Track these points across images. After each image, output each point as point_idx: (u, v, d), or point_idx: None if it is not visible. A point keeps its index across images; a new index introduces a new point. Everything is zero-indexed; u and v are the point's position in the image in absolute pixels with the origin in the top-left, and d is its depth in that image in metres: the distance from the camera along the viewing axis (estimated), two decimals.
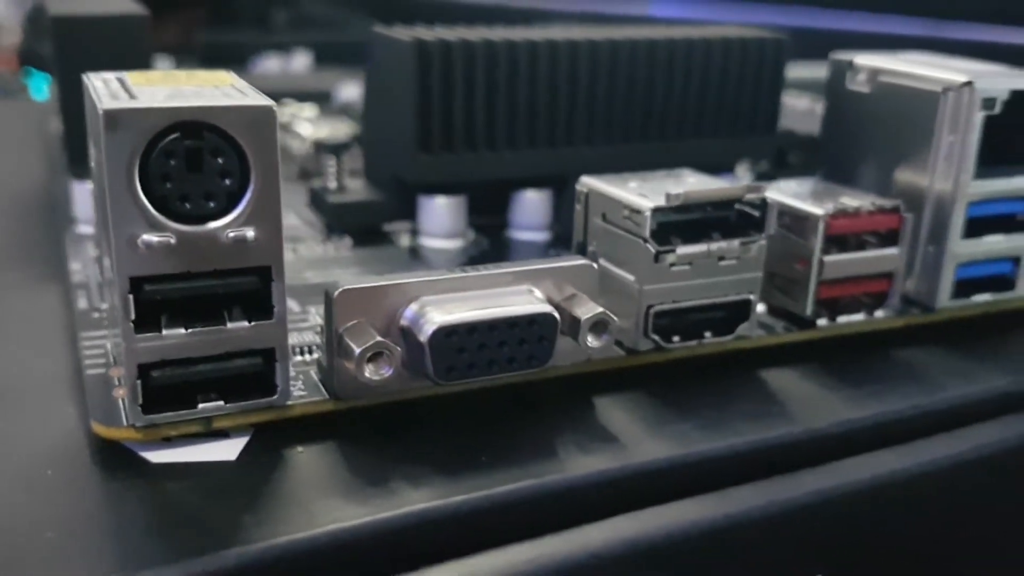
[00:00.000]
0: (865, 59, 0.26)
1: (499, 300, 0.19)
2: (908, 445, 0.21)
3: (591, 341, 0.20)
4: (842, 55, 0.27)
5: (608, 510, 0.18)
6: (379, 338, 0.18)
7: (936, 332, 0.25)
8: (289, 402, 0.19)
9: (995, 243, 0.25)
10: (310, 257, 0.27)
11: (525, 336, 0.19)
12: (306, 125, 0.36)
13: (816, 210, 0.23)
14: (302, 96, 0.41)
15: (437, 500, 0.17)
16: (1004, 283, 0.25)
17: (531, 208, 0.29)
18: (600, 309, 0.20)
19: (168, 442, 0.19)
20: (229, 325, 0.18)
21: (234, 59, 0.55)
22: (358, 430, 0.19)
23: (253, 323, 0.18)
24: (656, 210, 0.21)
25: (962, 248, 0.24)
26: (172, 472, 0.18)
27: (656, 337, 0.22)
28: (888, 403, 0.21)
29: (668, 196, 0.21)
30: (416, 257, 0.28)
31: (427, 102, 0.27)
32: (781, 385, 0.22)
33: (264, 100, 0.17)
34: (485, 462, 0.18)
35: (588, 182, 0.23)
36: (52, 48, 0.30)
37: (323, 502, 0.17)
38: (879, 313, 0.24)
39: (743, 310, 0.23)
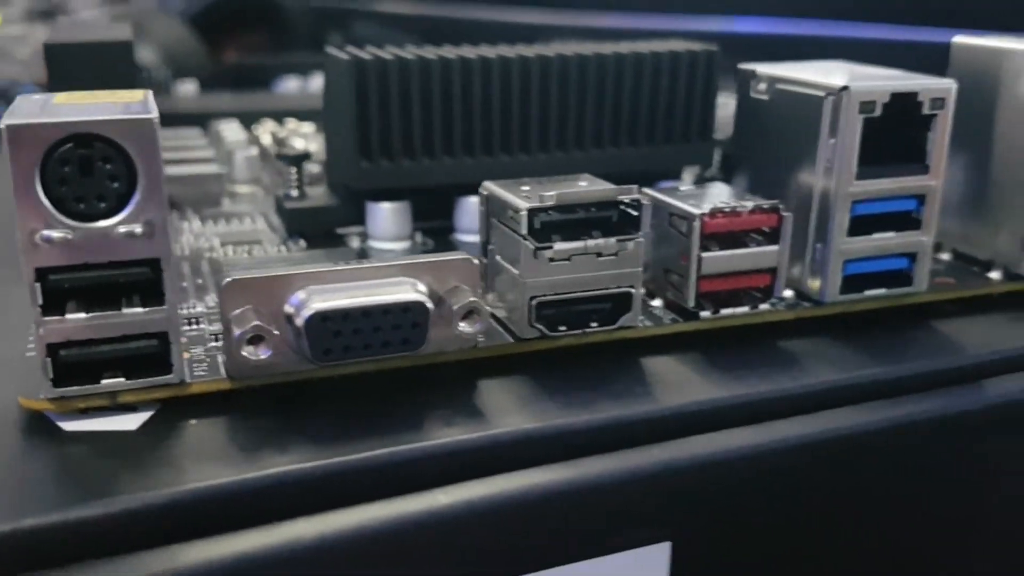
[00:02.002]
0: (765, 68, 0.27)
1: (376, 290, 0.21)
2: (762, 425, 0.22)
3: (463, 327, 0.22)
4: (748, 65, 0.28)
5: (460, 476, 0.20)
6: (256, 322, 0.20)
7: (823, 324, 0.26)
8: (188, 380, 0.21)
9: (885, 240, 0.26)
10: (262, 257, 0.29)
11: (398, 322, 0.21)
12: (300, 140, 0.39)
13: (694, 210, 0.24)
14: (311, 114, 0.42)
15: (295, 464, 0.19)
16: (901, 278, 0.26)
17: (473, 212, 0.31)
18: (471, 298, 0.22)
19: (83, 413, 0.21)
20: (125, 311, 0.20)
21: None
22: (249, 406, 0.21)
23: (146, 309, 0.20)
24: (532, 210, 0.23)
25: (849, 245, 0.25)
26: (79, 438, 0.20)
27: (540, 326, 0.23)
28: (750, 385, 0.23)
29: (541, 197, 0.23)
30: (363, 258, 0.30)
31: (365, 115, 0.29)
32: (657, 370, 0.24)
33: (147, 114, 0.19)
34: (352, 433, 0.20)
35: (488, 185, 0.25)
36: (46, 71, 0.33)
37: (197, 465, 0.19)
38: (765, 306, 0.25)
39: (625, 302, 0.24)
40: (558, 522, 0.20)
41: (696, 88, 0.32)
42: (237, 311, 0.21)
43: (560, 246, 0.23)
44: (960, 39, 0.28)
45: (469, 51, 0.30)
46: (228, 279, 0.20)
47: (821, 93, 0.25)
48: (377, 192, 0.30)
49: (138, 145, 0.19)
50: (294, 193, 0.32)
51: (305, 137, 0.39)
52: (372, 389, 0.22)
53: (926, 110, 0.25)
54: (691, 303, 0.25)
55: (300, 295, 0.21)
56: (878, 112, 0.24)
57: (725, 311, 0.25)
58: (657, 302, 0.26)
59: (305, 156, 0.32)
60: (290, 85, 0.56)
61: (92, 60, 0.32)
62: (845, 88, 0.24)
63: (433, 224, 0.32)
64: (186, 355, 0.22)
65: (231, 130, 0.41)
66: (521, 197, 0.23)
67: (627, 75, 0.31)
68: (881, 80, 0.25)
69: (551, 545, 0.20)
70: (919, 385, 0.24)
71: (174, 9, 1.00)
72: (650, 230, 0.25)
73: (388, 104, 0.29)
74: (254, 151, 0.37)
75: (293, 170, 0.32)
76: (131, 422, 0.21)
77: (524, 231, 0.23)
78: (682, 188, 0.26)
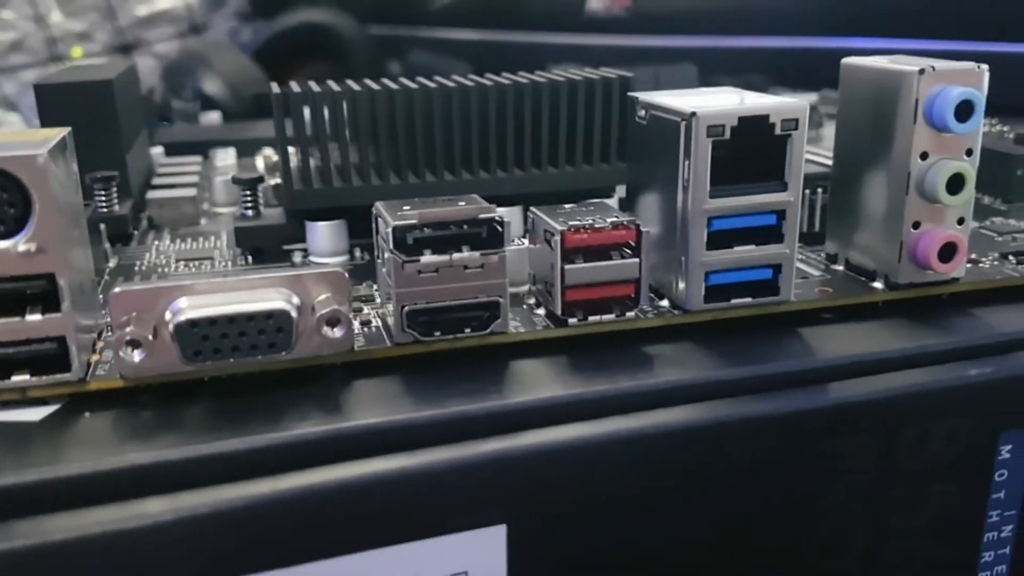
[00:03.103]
0: (644, 95, 0.29)
1: (245, 298, 0.24)
2: (597, 420, 0.24)
3: (328, 332, 0.24)
4: (636, 94, 0.30)
5: (307, 464, 0.22)
6: (131, 328, 0.23)
7: (690, 331, 0.28)
8: (88, 379, 0.24)
9: (747, 252, 0.27)
10: (207, 271, 0.32)
11: (263, 328, 0.24)
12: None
13: (559, 226, 0.26)
14: None
15: (151, 453, 0.22)
16: (766, 288, 0.28)
17: None
18: (333, 307, 0.24)
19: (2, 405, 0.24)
20: (27, 318, 0.23)
21: None
22: (137, 403, 0.24)
23: (45, 316, 0.23)
24: (396, 228, 0.25)
25: (708, 258, 0.27)
26: None
27: (413, 332, 0.26)
28: (594, 384, 0.25)
29: (403, 216, 0.25)
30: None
31: (297, 143, 0.32)
32: (519, 371, 0.26)
33: (37, 151, 0.22)
34: (215, 425, 0.23)
35: (377, 205, 0.27)
36: (38, 108, 0.36)
37: (72, 451, 0.22)
38: (632, 314, 0.27)
39: (495, 310, 0.26)
40: (400, 505, 0.22)
41: (612, 112, 0.34)
42: (123, 319, 0.23)
43: (427, 259, 0.25)
44: (848, 60, 0.30)
45: (395, 84, 0.33)
46: (113, 291, 0.23)
47: (677, 119, 0.27)
48: (318, 212, 0.33)
49: (30, 176, 0.22)
50: (249, 213, 0.35)
51: None
52: (247, 388, 0.25)
53: (778, 131, 0.26)
54: (559, 311, 0.27)
55: (179, 303, 0.24)
56: (727, 135, 0.26)
57: (593, 318, 0.27)
58: (541, 310, 0.28)
59: (259, 179, 0.35)
60: None
61: (76, 99, 0.36)
62: (693, 114, 0.26)
63: (371, 241, 0.34)
64: (96, 357, 0.25)
65: (224, 156, 0.44)
66: (395, 216, 0.26)
67: (544, 102, 0.33)
68: (734, 105, 0.26)
69: (395, 524, 0.23)
70: (759, 386, 0.25)
71: (243, 42, 1.05)
72: (537, 245, 0.28)
73: (317, 132, 0.32)
74: (230, 176, 0.40)
75: (247, 192, 0.35)
76: (36, 414, 0.24)
77: (391, 246, 0.25)
78: (567, 206, 0.28)
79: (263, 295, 0.24)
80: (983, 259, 0.31)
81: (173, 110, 0.60)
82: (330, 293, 0.25)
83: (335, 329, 0.24)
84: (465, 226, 0.26)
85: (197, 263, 0.33)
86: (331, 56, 1.04)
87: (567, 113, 0.34)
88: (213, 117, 0.58)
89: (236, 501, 0.22)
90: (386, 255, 0.25)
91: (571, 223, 0.26)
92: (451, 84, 0.33)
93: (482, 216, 0.26)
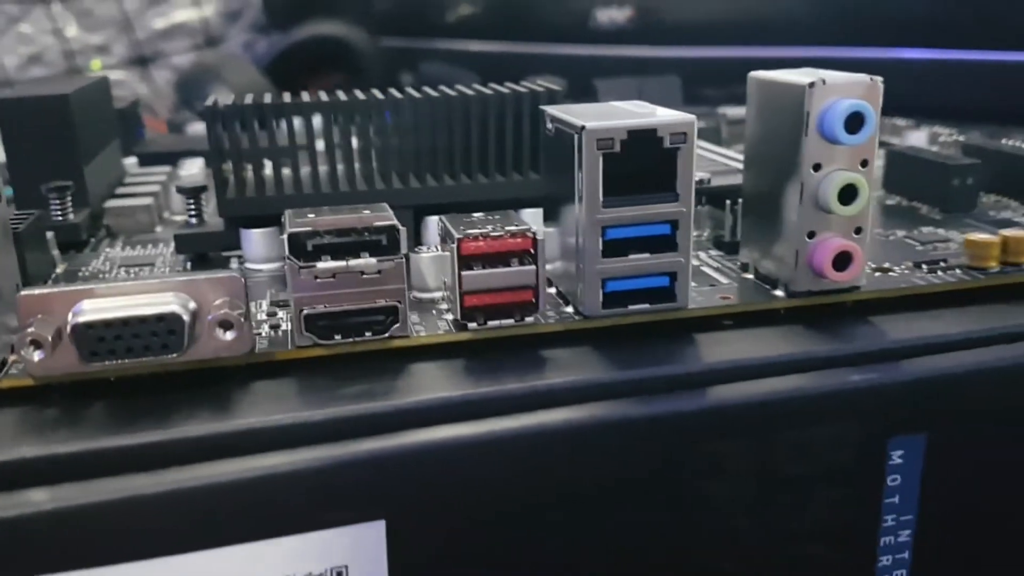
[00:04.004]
0: (551, 108, 0.30)
1: (140, 301, 0.25)
2: (480, 420, 0.25)
3: (220, 335, 0.25)
4: (545, 107, 0.31)
5: (194, 460, 0.23)
6: (31, 329, 0.24)
7: (589, 336, 0.28)
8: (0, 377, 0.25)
9: (642, 261, 0.28)
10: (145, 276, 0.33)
11: (156, 330, 0.25)
12: None
13: (456, 233, 0.27)
14: None
15: (40, 448, 0.23)
16: (664, 295, 0.29)
17: None
18: (224, 311, 0.25)
19: None
20: None
21: None
22: (47, 400, 0.25)
23: None
24: (291, 235, 0.26)
25: (605, 265, 0.28)
26: None
27: (312, 335, 0.27)
28: (479, 386, 0.25)
29: (301, 224, 0.26)
30: None
31: (223, 154, 0.33)
32: (414, 372, 0.26)
33: None
34: (109, 422, 0.24)
35: (286, 213, 0.28)
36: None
37: None
38: (531, 319, 0.28)
39: (394, 314, 0.27)
40: (281, 500, 0.23)
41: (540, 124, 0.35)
42: (29, 321, 0.25)
43: (323, 265, 0.26)
44: (753, 73, 0.30)
45: (328, 96, 0.34)
46: (19, 294, 0.24)
47: (572, 132, 0.27)
48: (253, 219, 0.34)
49: None
50: (193, 221, 0.36)
51: None
52: (153, 387, 0.26)
53: (667, 144, 0.27)
54: (459, 315, 0.28)
55: (81, 306, 0.25)
56: (617, 148, 0.27)
57: (492, 323, 0.28)
58: (449, 315, 0.29)
59: (202, 189, 0.36)
60: None
61: (34, 113, 0.37)
62: (583, 128, 0.27)
63: None
64: (13, 357, 0.26)
65: (190, 166, 0.45)
66: (293, 224, 0.27)
67: (474, 114, 0.34)
68: (624, 119, 0.27)
69: (277, 518, 0.24)
70: (641, 389, 0.26)
71: (258, 54, 1.07)
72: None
73: (251, 143, 0.33)
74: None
75: (191, 201, 0.36)
76: None
77: (287, 252, 0.26)
78: (475, 215, 0.29)
79: (158, 299, 0.25)
80: (896, 268, 0.32)
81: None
82: (227, 297, 0.26)
83: (228, 332, 0.25)
84: (366, 233, 0.27)
85: (138, 269, 0.34)
86: (345, 68, 1.05)
87: (496, 125, 0.35)
88: (199, 128, 0.59)
89: (119, 493, 0.23)
90: (285, 261, 0.26)
91: (469, 231, 0.27)
92: (381, 97, 0.34)
93: (378, 224, 0.27)
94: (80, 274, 0.34)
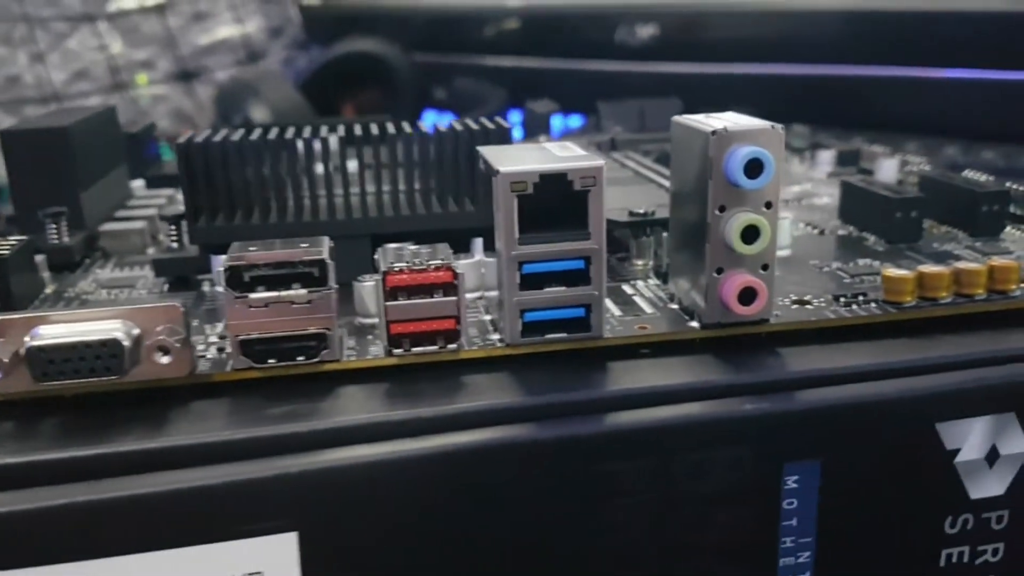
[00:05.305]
0: (484, 149, 0.32)
1: (88, 328, 0.27)
2: (391, 441, 0.27)
3: (158, 359, 0.28)
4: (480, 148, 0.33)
5: (126, 472, 0.26)
6: None
7: (507, 363, 0.30)
8: None
9: (558, 293, 0.30)
10: (125, 298, 0.36)
11: (99, 354, 0.27)
12: None
13: (383, 266, 0.29)
14: None
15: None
16: (580, 325, 0.30)
17: None
18: (162, 337, 0.28)
19: None
20: None
21: None
22: (7, 415, 0.28)
23: None
24: (227, 267, 0.28)
25: (523, 297, 0.30)
26: None
27: (248, 359, 0.29)
28: (393, 409, 0.28)
29: (236, 257, 0.29)
30: (205, 299, 0.36)
31: (194, 185, 0.35)
32: (341, 395, 0.29)
33: None
34: (55, 436, 0.27)
35: (233, 245, 0.30)
36: (3, 152, 0.41)
37: None
38: (453, 346, 0.30)
39: (324, 340, 0.29)
40: (200, 511, 0.26)
41: None
42: None
43: (256, 295, 0.29)
44: (676, 118, 0.32)
45: (284, 132, 0.36)
46: None
47: (493, 174, 0.29)
48: (213, 246, 0.37)
49: None
50: (174, 246, 0.39)
51: None
52: (101, 405, 0.28)
53: (577, 187, 0.29)
54: (385, 342, 0.30)
55: (37, 331, 0.27)
56: (530, 190, 0.29)
57: (418, 348, 0.30)
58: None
59: (182, 216, 0.39)
60: None
61: (35, 144, 0.40)
62: (497, 172, 0.29)
63: None
64: None
65: None
66: (231, 258, 0.29)
67: (431, 149, 0.37)
68: (538, 164, 0.29)
69: (196, 527, 0.26)
70: (547, 413, 0.28)
71: (298, 70, 1.11)
72: None
73: (213, 177, 0.35)
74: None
75: (172, 227, 0.38)
76: None
77: (223, 283, 0.28)
78: (411, 247, 0.31)
79: (105, 326, 0.28)
80: (815, 300, 0.33)
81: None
82: (167, 324, 0.28)
83: (164, 357, 0.28)
84: (299, 266, 0.29)
85: (118, 291, 0.37)
86: (381, 83, 1.08)
87: (450, 160, 0.37)
88: None
89: (56, 500, 0.25)
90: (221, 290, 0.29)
91: (395, 264, 0.29)
92: (341, 134, 0.36)
93: (308, 258, 0.29)
94: (66, 295, 0.37)
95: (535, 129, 0.61)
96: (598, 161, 0.29)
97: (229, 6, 1.10)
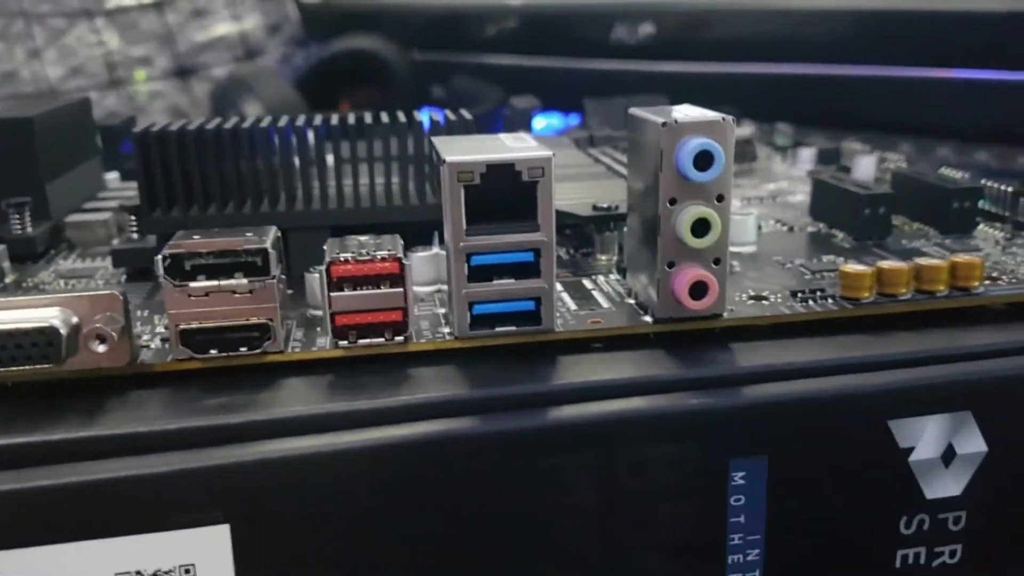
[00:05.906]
0: (438, 139, 0.31)
1: (26, 315, 0.27)
2: (326, 434, 0.26)
3: (95, 347, 0.27)
4: (434, 138, 0.32)
5: (53, 461, 0.25)
6: None
7: (456, 356, 0.30)
8: None
9: (506, 286, 0.29)
10: (82, 288, 0.36)
11: (36, 341, 0.27)
12: None
13: (327, 257, 0.29)
14: None
15: None
16: (530, 318, 0.30)
17: None
18: (99, 326, 0.27)
19: None
20: None
21: None
22: None
23: None
24: (165, 256, 0.28)
25: (471, 289, 0.29)
26: None
27: (187, 349, 0.29)
28: (334, 401, 0.27)
29: (176, 246, 0.28)
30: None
31: (151, 175, 0.35)
32: (283, 387, 0.28)
33: None
34: None
35: (178, 233, 0.30)
36: None
37: None
38: (400, 338, 0.29)
39: (266, 331, 0.29)
40: (132, 501, 0.25)
41: None
42: None
43: (195, 284, 0.28)
44: (632, 110, 0.31)
45: (242, 123, 0.36)
46: None
47: (440, 163, 0.29)
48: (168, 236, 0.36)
49: None
50: (135, 236, 0.38)
51: None
52: (41, 392, 0.28)
53: (526, 178, 0.28)
54: (329, 334, 0.29)
55: None
56: (477, 180, 0.28)
57: (363, 341, 0.29)
58: None
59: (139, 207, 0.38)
60: None
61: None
62: (444, 161, 0.28)
63: None
64: None
65: None
66: (171, 246, 0.29)
67: (392, 141, 0.36)
68: (486, 153, 0.29)
69: (128, 517, 0.25)
70: (489, 407, 0.27)
71: (296, 67, 1.10)
72: None
73: (169, 166, 0.35)
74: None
75: (133, 217, 0.38)
76: None
77: (161, 272, 0.28)
78: (361, 238, 0.31)
79: (43, 314, 0.27)
80: (773, 295, 0.33)
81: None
82: (106, 313, 0.28)
83: (101, 345, 0.27)
84: (242, 255, 0.29)
85: (75, 281, 0.37)
86: (378, 81, 1.08)
87: (416, 152, 0.36)
88: None
89: None
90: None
91: (340, 255, 0.29)
92: (299, 123, 0.36)
93: (249, 247, 0.28)
94: (24, 285, 0.36)
95: (517, 125, 0.60)
96: (546, 152, 0.29)
97: (227, 3, 1.10)
